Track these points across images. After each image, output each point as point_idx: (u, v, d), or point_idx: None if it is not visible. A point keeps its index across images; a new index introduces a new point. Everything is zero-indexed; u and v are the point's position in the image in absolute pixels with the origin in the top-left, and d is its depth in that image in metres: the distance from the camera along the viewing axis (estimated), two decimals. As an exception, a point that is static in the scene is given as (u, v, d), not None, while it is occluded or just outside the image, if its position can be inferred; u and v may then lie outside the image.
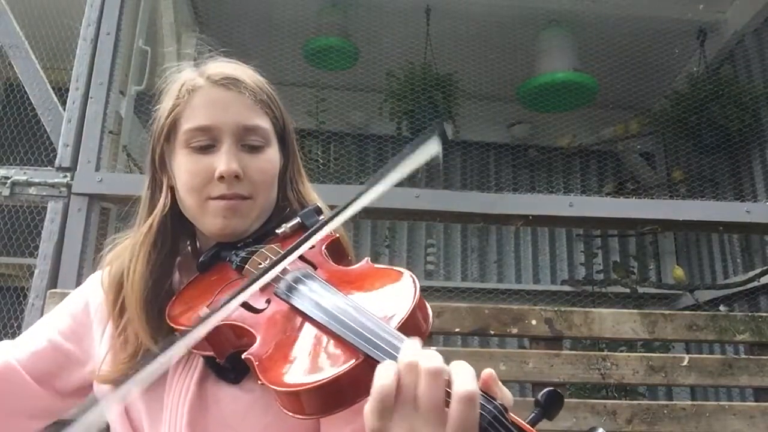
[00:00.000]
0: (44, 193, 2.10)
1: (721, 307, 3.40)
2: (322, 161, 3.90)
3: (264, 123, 0.94)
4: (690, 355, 1.71)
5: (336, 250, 0.87)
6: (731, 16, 3.51)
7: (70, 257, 2.01)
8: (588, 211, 2.29)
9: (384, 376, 0.57)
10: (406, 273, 0.73)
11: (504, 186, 4.27)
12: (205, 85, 0.92)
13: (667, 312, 1.77)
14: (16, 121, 2.58)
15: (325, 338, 0.68)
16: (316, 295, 0.73)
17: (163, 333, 0.86)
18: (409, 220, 3.72)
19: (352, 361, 0.62)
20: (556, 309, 1.72)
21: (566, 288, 3.90)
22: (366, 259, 0.82)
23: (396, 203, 2.20)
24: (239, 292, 0.68)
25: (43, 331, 0.99)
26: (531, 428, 0.57)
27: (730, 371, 1.68)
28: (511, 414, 0.58)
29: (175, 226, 0.95)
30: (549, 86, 3.52)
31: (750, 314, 1.77)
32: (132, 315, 0.89)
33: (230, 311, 0.70)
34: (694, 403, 1.68)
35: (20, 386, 0.93)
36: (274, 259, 0.73)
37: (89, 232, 2.06)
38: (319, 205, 0.94)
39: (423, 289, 0.69)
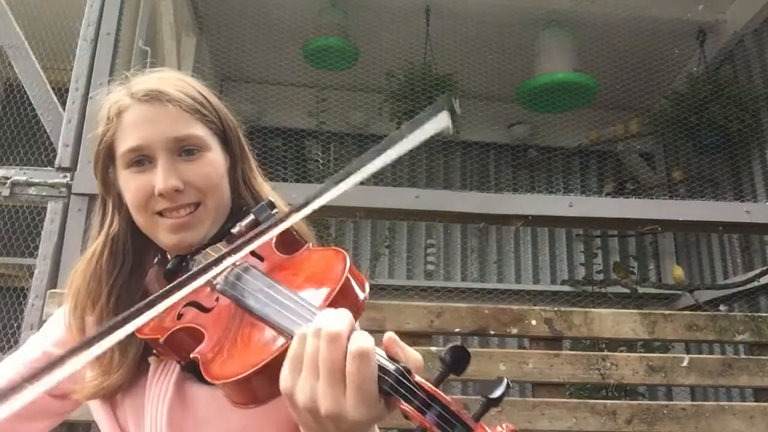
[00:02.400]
0: (44, 193, 2.10)
1: (721, 307, 3.40)
2: (322, 161, 3.90)
3: (196, 130, 0.92)
4: (690, 356, 1.71)
5: (286, 240, 0.88)
6: (731, 16, 3.52)
7: (70, 257, 2.01)
8: (588, 211, 2.30)
9: (296, 342, 0.61)
10: (338, 250, 0.76)
11: (504, 186, 4.27)
12: (131, 104, 0.92)
13: (666, 312, 1.77)
14: (16, 121, 2.58)
15: (262, 327, 0.71)
16: (252, 287, 0.76)
17: (134, 344, 0.88)
18: (409, 220, 3.72)
19: (281, 342, 0.65)
20: (555, 309, 1.72)
21: (566, 288, 3.90)
22: (307, 244, 0.85)
23: (396, 203, 2.20)
24: (161, 295, 0.67)
25: (38, 343, 1.01)
26: (435, 388, 0.57)
27: (730, 371, 1.68)
28: (416, 376, 0.58)
29: (137, 245, 0.96)
30: (549, 86, 3.52)
31: (750, 314, 1.77)
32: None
33: (160, 309, 0.70)
34: (694, 403, 1.68)
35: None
36: (213, 257, 0.73)
37: (89, 232, 2.06)
38: (272, 199, 0.93)
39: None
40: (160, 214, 0.90)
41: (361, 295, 0.71)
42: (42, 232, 2.05)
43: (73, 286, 0.95)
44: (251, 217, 0.89)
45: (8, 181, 2.09)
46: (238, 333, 0.73)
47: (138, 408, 0.89)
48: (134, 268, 0.95)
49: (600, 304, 3.55)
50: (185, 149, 0.91)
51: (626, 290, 3.63)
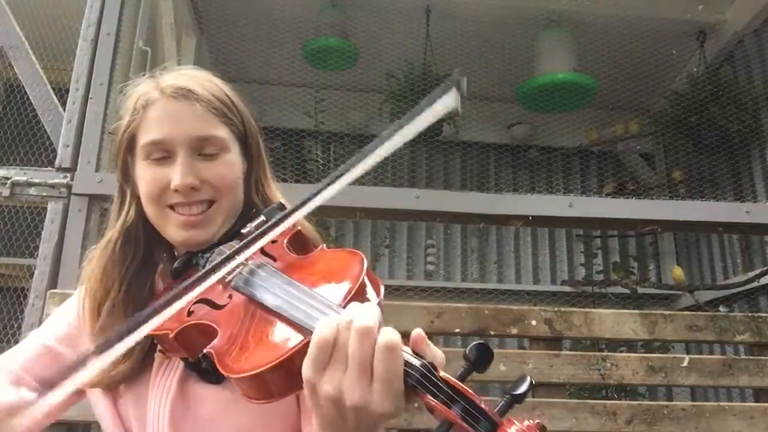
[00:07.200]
0: (44, 194, 2.10)
1: (721, 308, 3.40)
2: (322, 162, 3.90)
3: (220, 132, 0.94)
4: (690, 356, 1.71)
5: (298, 243, 0.89)
6: (731, 16, 3.52)
7: (70, 258, 2.01)
8: (588, 211, 2.30)
9: (323, 327, 0.61)
10: (355, 252, 0.77)
11: (504, 186, 4.27)
12: (159, 98, 0.93)
13: (667, 312, 1.77)
14: (16, 122, 2.58)
15: (277, 323, 0.71)
16: (268, 283, 0.77)
17: (143, 340, 0.87)
18: (409, 220, 3.72)
19: (300, 339, 0.65)
20: (555, 309, 1.72)
21: (566, 288, 3.90)
22: (321, 245, 0.86)
23: (396, 203, 2.19)
24: (182, 291, 0.68)
25: (40, 336, 1.01)
26: (460, 383, 0.58)
27: (730, 372, 1.68)
28: (441, 371, 0.59)
29: (148, 236, 0.96)
30: (549, 87, 3.52)
31: (750, 315, 1.77)
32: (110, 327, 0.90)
33: (181, 306, 0.70)
34: (694, 403, 1.68)
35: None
36: (227, 253, 0.74)
37: (89, 232, 2.06)
38: (283, 202, 0.95)
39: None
40: (172, 208, 0.91)
41: (377, 298, 0.71)
42: (42, 233, 2.05)
43: (88, 272, 0.96)
44: (262, 218, 0.90)
45: (8, 182, 2.09)
46: (253, 329, 0.73)
47: (141, 401, 0.89)
48: (145, 260, 0.96)
49: (600, 304, 3.55)
50: (204, 152, 0.92)
51: (626, 290, 3.63)
